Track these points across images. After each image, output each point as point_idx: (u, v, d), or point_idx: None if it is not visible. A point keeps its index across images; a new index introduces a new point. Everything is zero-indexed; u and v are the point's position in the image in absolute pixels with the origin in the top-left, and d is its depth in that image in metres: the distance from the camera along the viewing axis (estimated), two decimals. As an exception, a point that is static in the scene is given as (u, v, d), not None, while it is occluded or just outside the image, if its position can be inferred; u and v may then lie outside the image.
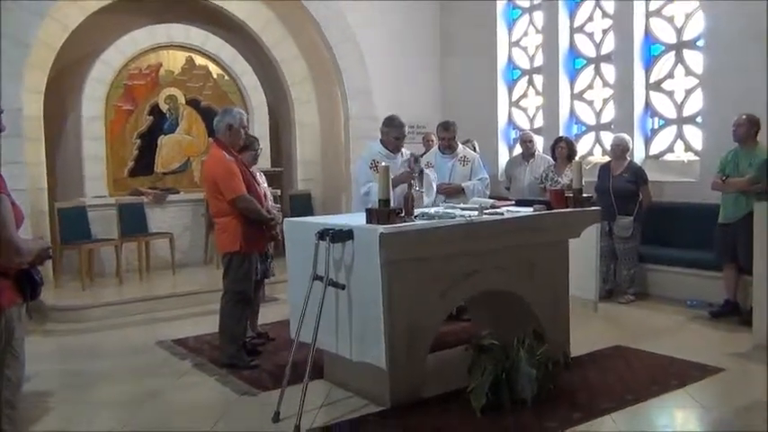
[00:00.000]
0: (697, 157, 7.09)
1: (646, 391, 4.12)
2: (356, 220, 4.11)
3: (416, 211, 4.12)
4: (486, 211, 4.35)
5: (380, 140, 5.29)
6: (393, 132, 5.19)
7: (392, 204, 3.86)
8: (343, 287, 3.92)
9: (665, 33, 7.39)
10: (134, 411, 4.15)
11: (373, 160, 5.13)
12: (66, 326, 6.38)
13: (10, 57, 6.98)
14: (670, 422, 3.75)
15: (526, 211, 4.57)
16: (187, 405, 4.23)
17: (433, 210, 4.30)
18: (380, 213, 3.80)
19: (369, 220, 3.86)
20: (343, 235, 3.85)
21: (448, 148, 5.85)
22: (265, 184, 5.48)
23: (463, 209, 4.58)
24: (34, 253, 2.51)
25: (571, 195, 4.72)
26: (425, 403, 4.00)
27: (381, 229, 3.69)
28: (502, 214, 4.33)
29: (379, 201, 3.84)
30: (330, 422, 3.80)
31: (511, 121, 9.32)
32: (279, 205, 5.50)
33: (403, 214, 3.89)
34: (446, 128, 5.89)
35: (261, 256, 5.21)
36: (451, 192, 5.74)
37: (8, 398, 2.49)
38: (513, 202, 5.08)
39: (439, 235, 3.93)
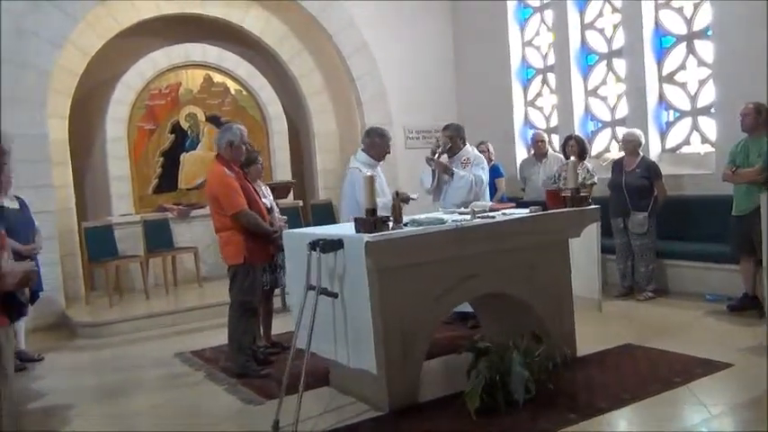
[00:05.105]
0: (713, 149, 6.96)
1: (646, 389, 4.08)
2: (349, 229, 4.19)
3: (405, 218, 4.17)
4: (479, 216, 4.37)
5: (363, 150, 5.41)
6: (387, 144, 5.37)
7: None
8: (336, 296, 4.00)
9: (676, 25, 7.29)
10: (140, 422, 4.31)
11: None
12: (94, 341, 6.62)
13: (33, 84, 7.30)
14: (666, 420, 3.71)
15: (522, 213, 4.57)
16: (192, 414, 4.37)
17: (423, 216, 4.35)
18: (367, 222, 3.87)
19: (357, 230, 3.94)
20: (333, 245, 3.93)
21: (448, 148, 5.89)
22: (270, 198, 5.61)
23: (460, 213, 4.63)
24: (18, 277, 2.65)
25: (569, 195, 4.71)
26: (422, 408, 4.04)
27: (367, 237, 3.76)
28: (493, 218, 4.34)
29: (366, 210, 3.91)
30: (327, 429, 3.87)
31: (527, 121, 9.29)
32: (285, 217, 5.62)
33: (391, 222, 3.95)
34: (444, 129, 5.98)
35: (269, 266, 5.35)
36: (442, 168, 5.82)
37: (-4, 413, 2.64)
38: (514, 205, 5.09)
39: (427, 241, 3.97)
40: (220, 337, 6.04)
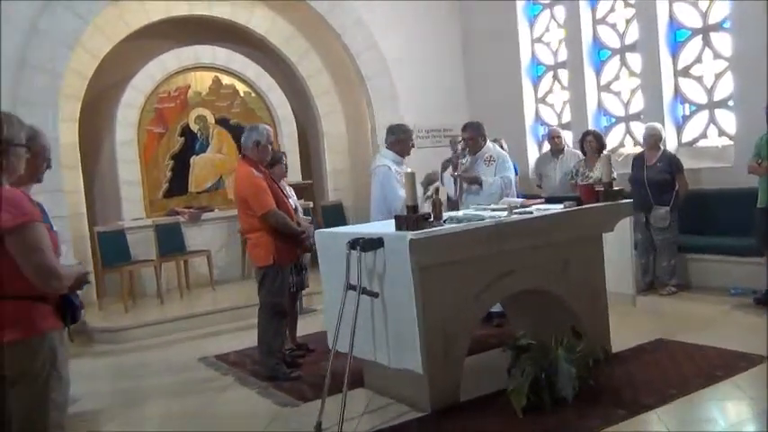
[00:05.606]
0: (731, 142, 6.95)
1: (691, 384, 4.03)
2: (385, 227, 4.13)
3: (445, 215, 4.12)
4: (516, 211, 4.32)
5: (388, 149, 5.32)
6: (411, 139, 5.30)
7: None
8: (376, 295, 3.93)
9: (690, 18, 7.28)
10: (178, 426, 4.23)
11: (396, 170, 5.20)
12: (113, 347, 6.53)
13: (44, 88, 7.22)
14: (716, 415, 3.67)
15: (556, 208, 4.53)
16: (230, 419, 4.30)
17: (461, 213, 4.30)
18: (409, 220, 3.81)
19: (398, 227, 3.88)
20: (373, 243, 3.87)
21: (469, 147, 5.82)
22: (294, 198, 5.55)
23: (493, 210, 4.58)
24: (73, 278, 2.58)
25: (602, 189, 4.67)
26: (465, 407, 3.99)
27: (411, 235, 3.70)
28: (531, 213, 4.30)
29: (408, 207, 3.85)
30: (371, 430, 3.81)
31: (538, 118, 9.26)
32: (309, 217, 5.55)
33: (431, 219, 3.90)
34: (463, 128, 5.91)
35: (295, 267, 5.28)
36: (469, 180, 5.73)
37: (56, 419, 2.56)
38: (543, 200, 5.05)
39: (468, 238, 3.92)
40: (240, 341, 6.02)
